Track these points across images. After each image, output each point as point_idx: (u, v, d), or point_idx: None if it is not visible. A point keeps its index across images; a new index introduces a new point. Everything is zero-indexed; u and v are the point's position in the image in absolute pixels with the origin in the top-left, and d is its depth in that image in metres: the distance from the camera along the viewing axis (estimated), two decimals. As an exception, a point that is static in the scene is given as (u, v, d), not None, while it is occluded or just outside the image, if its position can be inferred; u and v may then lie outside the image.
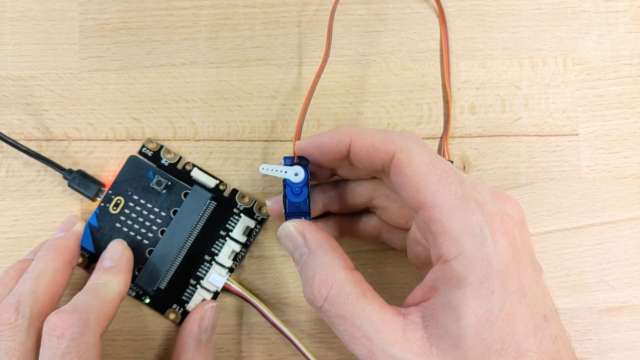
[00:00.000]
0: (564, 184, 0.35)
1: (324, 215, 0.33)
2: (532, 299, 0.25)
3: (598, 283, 0.35)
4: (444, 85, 0.35)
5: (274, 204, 0.31)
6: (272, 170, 0.29)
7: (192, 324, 0.32)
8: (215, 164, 0.35)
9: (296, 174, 0.29)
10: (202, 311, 0.32)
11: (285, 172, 0.29)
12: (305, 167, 0.29)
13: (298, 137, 0.30)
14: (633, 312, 0.34)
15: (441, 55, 0.36)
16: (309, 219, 0.29)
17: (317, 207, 0.32)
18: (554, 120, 0.35)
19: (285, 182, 0.29)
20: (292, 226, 0.28)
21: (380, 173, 0.30)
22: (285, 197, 0.29)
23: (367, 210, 0.33)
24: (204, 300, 0.33)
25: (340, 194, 0.32)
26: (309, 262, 0.27)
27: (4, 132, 0.34)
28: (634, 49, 0.36)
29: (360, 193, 0.32)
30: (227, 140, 0.35)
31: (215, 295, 0.34)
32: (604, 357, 0.34)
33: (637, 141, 0.36)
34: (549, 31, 0.36)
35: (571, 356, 0.26)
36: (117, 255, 0.32)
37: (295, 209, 0.29)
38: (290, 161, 0.30)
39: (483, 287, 0.24)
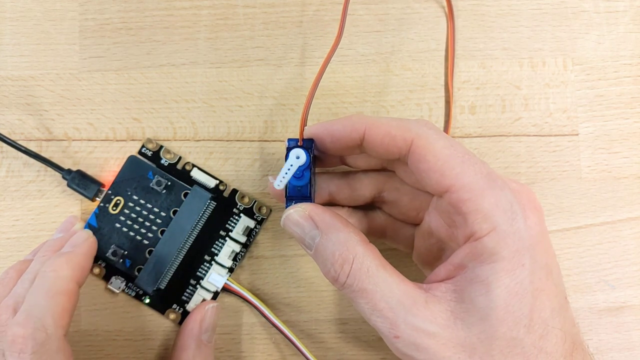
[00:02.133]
0: (564, 184, 0.35)
1: (332, 207, 0.32)
2: (557, 277, 0.26)
3: (598, 283, 0.35)
4: (445, 85, 0.35)
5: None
6: (282, 176, 0.28)
7: (192, 324, 0.32)
8: (215, 164, 0.35)
9: (297, 157, 0.28)
10: (202, 311, 0.32)
11: (290, 166, 0.28)
12: (307, 150, 0.28)
13: (305, 117, 0.29)
14: (633, 312, 0.34)
15: (446, 55, 0.36)
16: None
17: (322, 195, 0.31)
18: (554, 120, 0.35)
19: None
20: (297, 212, 0.28)
21: (393, 163, 0.30)
22: None
23: (372, 206, 0.32)
24: (204, 300, 0.33)
25: (348, 184, 0.31)
26: (323, 242, 0.27)
27: (4, 132, 0.34)
28: (634, 49, 0.36)
29: (369, 184, 0.31)
30: (227, 141, 0.35)
31: (215, 295, 0.34)
32: (604, 357, 0.34)
33: (637, 141, 0.36)
34: (549, 31, 0.36)
35: (585, 344, 0.26)
36: (77, 242, 0.31)
37: (296, 193, 0.28)
38: (294, 143, 0.29)
39: (514, 261, 0.24)
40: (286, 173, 0.28)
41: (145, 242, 0.33)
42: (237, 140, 0.35)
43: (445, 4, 0.36)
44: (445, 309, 0.25)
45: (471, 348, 0.24)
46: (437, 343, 0.24)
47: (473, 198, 0.25)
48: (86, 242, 0.31)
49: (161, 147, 0.34)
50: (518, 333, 0.24)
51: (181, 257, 0.33)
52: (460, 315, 0.25)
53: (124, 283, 0.33)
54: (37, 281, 0.28)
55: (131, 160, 0.34)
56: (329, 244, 0.26)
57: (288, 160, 0.28)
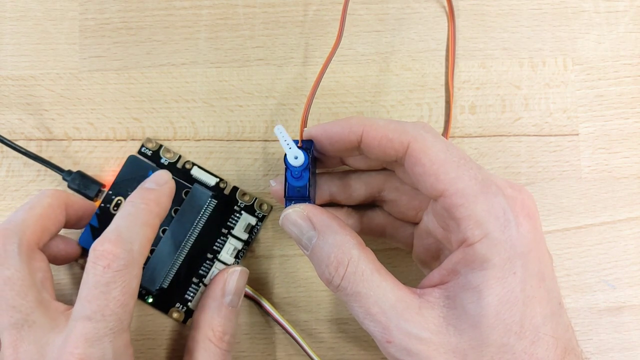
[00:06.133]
0: (564, 184, 0.35)
1: (331, 207, 0.32)
2: (550, 284, 0.26)
3: (598, 283, 0.35)
4: (446, 85, 0.35)
5: (278, 185, 0.31)
6: (283, 137, 0.28)
7: (215, 285, 0.32)
8: (215, 163, 0.35)
9: (296, 157, 0.28)
10: (226, 274, 0.32)
11: (290, 147, 0.28)
12: (307, 151, 0.28)
13: (305, 119, 0.30)
14: (633, 312, 0.35)
15: (446, 55, 0.36)
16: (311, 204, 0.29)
17: (323, 196, 0.32)
18: (554, 120, 0.35)
19: (286, 166, 0.28)
20: (295, 212, 0.28)
21: (391, 164, 0.30)
22: (285, 180, 0.29)
23: (372, 205, 0.32)
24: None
25: (348, 184, 0.32)
26: (319, 244, 0.27)
27: (5, 132, 0.34)
28: (634, 49, 0.36)
29: (369, 184, 0.31)
30: (228, 140, 0.35)
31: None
32: (604, 357, 0.34)
33: (637, 141, 0.36)
34: (549, 31, 0.36)
35: (579, 350, 0.26)
36: (161, 181, 0.31)
37: (296, 193, 0.29)
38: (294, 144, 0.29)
39: (505, 269, 0.24)
40: (286, 141, 0.28)
41: (146, 241, 0.33)
42: (238, 140, 0.35)
43: (445, 3, 0.36)
44: (437, 314, 0.25)
45: (462, 354, 0.24)
46: (428, 349, 0.24)
47: (466, 204, 0.25)
48: (168, 183, 0.31)
49: (161, 146, 0.34)
50: (509, 340, 0.24)
51: (183, 255, 0.33)
52: (452, 321, 0.25)
53: (125, 283, 0.33)
54: (127, 208, 0.29)
55: (131, 160, 0.34)
56: (325, 245, 0.27)
57: (291, 143, 0.28)
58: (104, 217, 0.33)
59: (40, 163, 0.33)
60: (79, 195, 0.33)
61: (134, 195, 0.30)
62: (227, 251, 0.34)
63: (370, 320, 0.25)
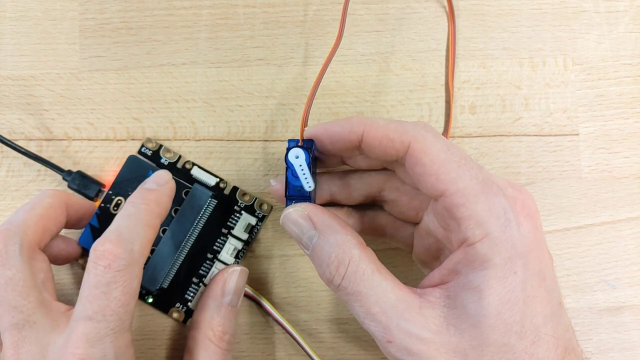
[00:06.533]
0: (564, 184, 0.35)
1: (331, 207, 0.32)
2: (550, 284, 0.26)
3: (598, 283, 0.35)
4: (445, 85, 0.35)
5: (278, 184, 0.31)
6: (305, 179, 0.28)
7: (215, 285, 0.32)
8: (215, 163, 0.35)
9: (297, 157, 0.28)
10: (225, 274, 0.32)
11: (300, 166, 0.28)
12: (307, 150, 0.28)
13: (305, 119, 0.30)
14: (633, 312, 0.35)
15: (447, 55, 0.36)
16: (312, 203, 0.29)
17: (323, 196, 0.32)
18: (554, 120, 0.35)
19: (287, 165, 0.28)
20: (296, 211, 0.28)
21: (392, 164, 0.30)
22: (286, 179, 0.29)
23: (372, 205, 0.32)
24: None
25: (349, 184, 0.32)
26: (320, 243, 0.27)
27: (4, 131, 0.34)
28: (634, 49, 0.36)
29: (369, 184, 0.31)
30: (228, 140, 0.35)
31: (216, 295, 0.34)
32: (604, 357, 0.34)
33: (637, 141, 0.36)
34: (549, 31, 0.36)
35: (579, 349, 0.26)
36: (161, 182, 0.31)
37: (296, 192, 0.29)
38: (294, 143, 0.29)
39: (506, 268, 0.24)
40: (304, 174, 0.28)
41: (146, 241, 0.33)
42: (238, 140, 0.35)
43: (445, 3, 0.36)
44: (438, 314, 0.25)
45: (463, 354, 0.24)
46: (429, 348, 0.24)
47: (467, 204, 0.25)
48: (169, 183, 0.31)
49: (161, 146, 0.34)
50: (509, 339, 0.24)
51: (183, 255, 0.33)
52: (452, 321, 0.25)
53: (125, 283, 0.33)
54: (128, 209, 0.29)
55: (131, 159, 0.34)
56: (326, 245, 0.27)
57: (296, 162, 0.28)
58: (104, 217, 0.33)
59: (40, 163, 0.33)
60: (79, 195, 0.33)
61: (135, 196, 0.30)
62: (227, 251, 0.34)
63: (370, 320, 0.25)
